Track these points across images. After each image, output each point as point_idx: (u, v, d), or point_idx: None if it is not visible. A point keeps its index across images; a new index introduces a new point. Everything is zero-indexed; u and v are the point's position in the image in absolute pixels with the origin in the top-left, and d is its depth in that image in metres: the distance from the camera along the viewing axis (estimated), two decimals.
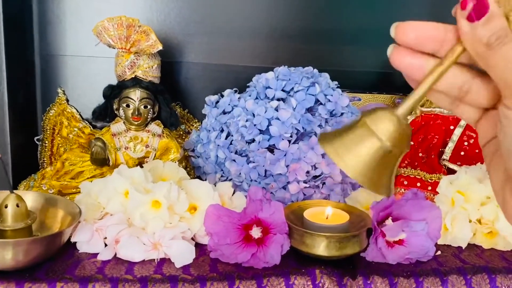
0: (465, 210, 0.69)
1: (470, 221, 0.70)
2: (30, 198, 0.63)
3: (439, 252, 0.67)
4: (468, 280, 0.61)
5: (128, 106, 0.73)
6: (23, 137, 0.84)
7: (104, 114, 0.76)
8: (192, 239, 0.65)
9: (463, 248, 0.69)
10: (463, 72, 0.28)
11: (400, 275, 0.60)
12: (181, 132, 0.89)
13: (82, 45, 0.88)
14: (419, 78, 0.28)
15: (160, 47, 0.71)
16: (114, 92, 0.74)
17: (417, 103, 0.28)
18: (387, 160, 0.28)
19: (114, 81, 0.76)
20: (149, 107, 0.74)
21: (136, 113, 0.73)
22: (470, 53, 0.27)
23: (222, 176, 0.78)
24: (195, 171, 0.83)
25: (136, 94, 0.73)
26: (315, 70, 0.81)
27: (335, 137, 0.28)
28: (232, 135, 0.76)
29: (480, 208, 0.69)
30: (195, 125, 0.91)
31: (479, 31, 0.25)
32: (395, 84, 0.99)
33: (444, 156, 0.85)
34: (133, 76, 0.73)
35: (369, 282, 0.59)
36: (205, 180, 0.78)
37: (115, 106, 0.75)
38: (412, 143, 0.86)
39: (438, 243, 0.68)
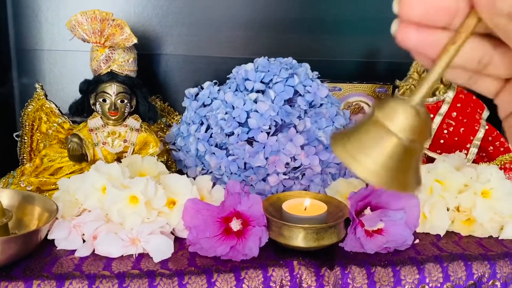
0: (443, 199, 0.70)
1: (448, 209, 0.70)
2: (6, 196, 0.63)
3: (417, 241, 0.67)
4: (444, 268, 0.62)
5: (104, 101, 0.72)
6: (1, 133, 0.83)
7: (81, 109, 0.75)
8: (172, 233, 0.65)
9: (442, 236, 0.70)
10: (482, 43, 0.25)
11: (377, 265, 0.61)
12: (162, 126, 0.89)
13: (59, 39, 0.87)
14: (432, 56, 0.25)
15: (135, 41, 0.70)
16: (90, 87, 0.73)
17: (433, 86, 0.25)
18: (409, 155, 0.24)
19: (92, 75, 0.75)
20: (126, 101, 0.73)
21: (113, 107, 0.72)
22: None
23: (203, 169, 0.78)
24: (176, 164, 0.83)
25: (112, 89, 0.72)
26: (294, 61, 0.80)
27: (348, 140, 0.25)
28: (211, 128, 0.76)
29: (458, 196, 0.70)
30: (176, 118, 0.90)
31: (499, 2, 0.22)
32: (376, 73, 0.99)
33: None
34: (108, 70, 0.72)
35: (346, 272, 0.60)
36: (186, 173, 0.78)
37: (91, 101, 0.74)
38: None
39: (417, 231, 0.69)
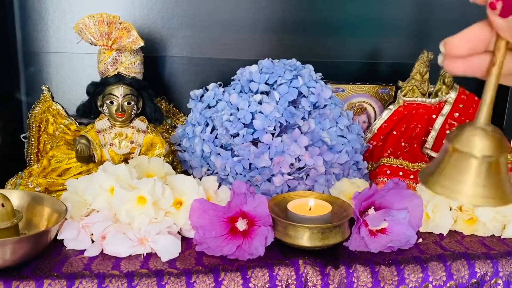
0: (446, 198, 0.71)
1: (451, 208, 0.71)
2: (16, 196, 0.64)
3: (420, 240, 0.68)
4: (447, 267, 0.63)
5: (111, 102, 0.73)
6: (9, 135, 0.84)
7: (88, 111, 0.76)
8: (179, 233, 0.66)
9: (444, 235, 0.70)
10: None
11: (381, 264, 0.62)
12: (167, 127, 0.90)
13: (65, 41, 0.88)
14: (481, 75, 0.29)
15: (142, 44, 0.71)
16: (97, 89, 0.74)
17: (491, 107, 0.29)
18: (495, 170, 0.28)
19: (98, 77, 0.76)
20: (132, 103, 0.74)
21: (120, 109, 0.73)
22: None
23: (208, 170, 0.79)
24: (182, 165, 0.84)
25: (119, 91, 0.73)
26: (298, 63, 0.81)
27: (439, 176, 0.28)
28: (217, 129, 0.77)
29: None
30: (181, 119, 0.91)
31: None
32: (379, 74, 1.00)
33: (426, 145, 0.86)
34: (115, 72, 0.73)
35: (351, 271, 0.61)
36: (192, 174, 0.79)
37: (99, 103, 0.75)
38: (395, 132, 0.87)
39: (420, 230, 0.70)
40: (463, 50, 0.29)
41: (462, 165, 0.28)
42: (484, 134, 0.28)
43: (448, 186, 0.28)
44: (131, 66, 0.73)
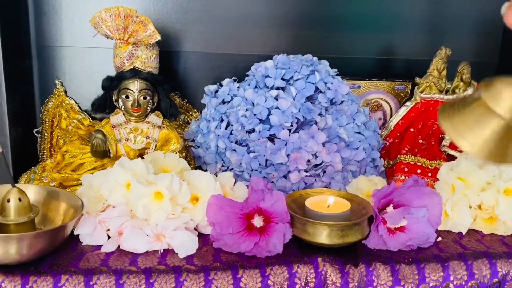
0: (465, 196, 0.70)
1: (470, 207, 0.70)
2: (32, 191, 0.63)
3: (440, 238, 0.67)
4: (469, 266, 0.61)
5: (127, 97, 0.73)
6: (22, 129, 0.84)
7: (103, 105, 0.76)
8: (195, 229, 0.65)
9: (464, 233, 0.69)
10: None
11: (401, 262, 0.61)
12: (180, 122, 0.89)
13: (79, 35, 0.88)
14: None
15: (159, 38, 0.71)
16: (113, 84, 0.74)
17: None
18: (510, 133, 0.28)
19: (112, 72, 0.76)
20: (148, 98, 0.73)
21: (136, 104, 0.72)
22: None
23: (222, 166, 0.78)
24: (195, 161, 0.83)
25: (135, 85, 0.72)
26: (315, 58, 0.80)
27: (454, 116, 0.28)
28: (232, 125, 0.76)
29: (480, 194, 0.70)
30: (194, 115, 0.90)
31: None
32: (394, 70, 0.99)
33: (444, 142, 0.85)
34: (131, 67, 0.72)
35: (371, 269, 0.60)
36: (206, 170, 0.78)
37: (114, 98, 0.74)
38: (412, 129, 0.86)
39: (439, 229, 0.69)
40: None
41: (481, 118, 0.27)
42: None
43: (458, 129, 0.28)
44: (147, 60, 0.72)
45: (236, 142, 0.76)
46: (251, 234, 0.62)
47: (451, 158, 0.82)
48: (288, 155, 0.72)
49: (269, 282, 0.57)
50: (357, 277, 0.59)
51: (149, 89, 0.73)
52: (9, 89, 0.78)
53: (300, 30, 0.94)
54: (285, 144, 0.72)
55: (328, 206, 0.65)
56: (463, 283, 0.61)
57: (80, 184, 0.69)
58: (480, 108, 0.28)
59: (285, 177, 0.74)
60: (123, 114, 0.75)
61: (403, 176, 0.79)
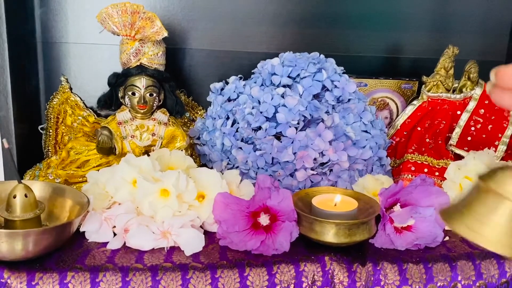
0: None
1: None
2: (38, 188, 0.63)
3: (447, 238, 0.67)
4: (477, 266, 0.61)
5: (133, 94, 0.72)
6: (27, 126, 0.83)
7: (109, 102, 0.75)
8: (201, 227, 0.65)
9: None
10: None
11: (409, 261, 0.60)
12: (186, 120, 0.88)
13: (85, 32, 0.87)
14: None
15: (165, 34, 0.70)
16: (119, 80, 0.73)
17: None
18: None
19: (117, 69, 0.75)
20: (154, 95, 0.73)
21: (142, 101, 0.72)
22: None
23: (228, 163, 0.78)
24: (201, 159, 0.82)
25: (141, 82, 0.72)
26: (322, 56, 0.80)
27: (462, 213, 0.26)
28: (238, 123, 0.75)
29: None
30: (199, 113, 0.90)
31: None
32: (401, 69, 0.98)
33: (451, 141, 0.84)
34: (138, 63, 0.72)
35: (378, 268, 0.59)
36: (211, 167, 0.77)
37: (120, 94, 0.74)
38: (419, 128, 0.85)
39: (447, 228, 0.68)
40: None
41: (492, 207, 0.26)
42: None
43: (472, 227, 0.26)
44: (154, 57, 0.72)
45: (242, 140, 0.76)
46: (257, 232, 0.62)
47: (458, 157, 0.81)
48: (294, 153, 0.71)
49: (275, 280, 0.57)
50: (364, 276, 0.59)
51: (155, 86, 0.73)
52: (14, 85, 0.77)
53: (306, 28, 0.94)
54: (292, 142, 0.71)
55: (335, 205, 0.65)
56: (471, 283, 0.60)
57: (85, 181, 0.68)
58: (488, 196, 0.26)
59: (292, 175, 0.73)
60: (129, 111, 0.74)
61: (410, 175, 0.78)
